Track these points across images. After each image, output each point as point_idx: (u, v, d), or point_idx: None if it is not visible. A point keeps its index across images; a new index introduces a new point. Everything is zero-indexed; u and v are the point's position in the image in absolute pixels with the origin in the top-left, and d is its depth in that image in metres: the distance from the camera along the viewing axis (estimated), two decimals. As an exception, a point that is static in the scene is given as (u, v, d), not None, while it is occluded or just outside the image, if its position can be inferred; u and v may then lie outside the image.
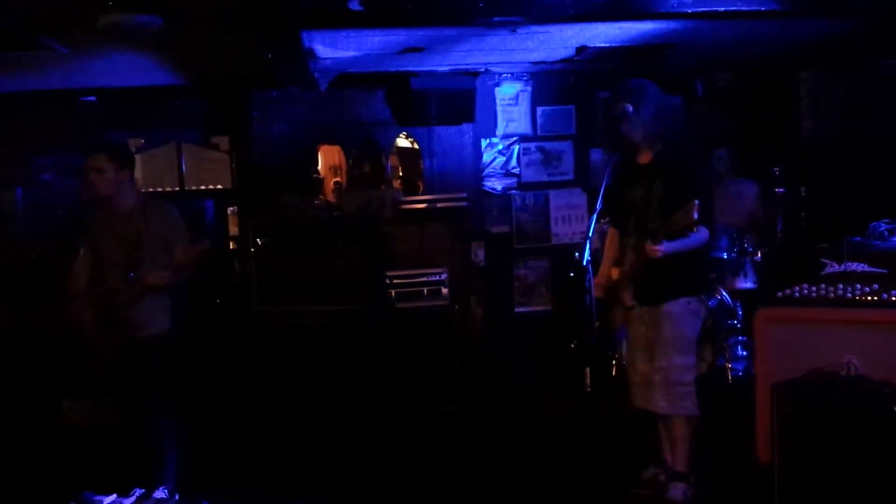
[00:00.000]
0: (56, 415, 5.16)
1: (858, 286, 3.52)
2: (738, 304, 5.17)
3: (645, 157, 3.70)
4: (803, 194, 5.27)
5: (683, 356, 3.58)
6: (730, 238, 5.09)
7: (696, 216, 3.21)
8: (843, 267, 3.64)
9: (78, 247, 3.98)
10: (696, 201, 3.22)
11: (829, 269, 3.69)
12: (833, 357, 3.34)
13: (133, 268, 3.79)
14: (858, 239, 3.73)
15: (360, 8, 3.89)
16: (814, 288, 3.63)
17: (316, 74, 5.48)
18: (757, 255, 5.13)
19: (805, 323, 3.57)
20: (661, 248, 3.41)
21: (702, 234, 3.50)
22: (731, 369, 5.02)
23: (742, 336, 5.12)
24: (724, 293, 5.09)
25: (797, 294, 3.65)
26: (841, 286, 3.57)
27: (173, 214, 3.98)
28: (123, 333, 3.83)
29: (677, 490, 3.63)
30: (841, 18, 4.69)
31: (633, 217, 3.68)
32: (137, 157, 6.08)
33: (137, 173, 5.96)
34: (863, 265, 3.61)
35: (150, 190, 5.93)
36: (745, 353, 5.10)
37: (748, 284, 5.15)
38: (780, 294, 3.71)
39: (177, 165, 6.13)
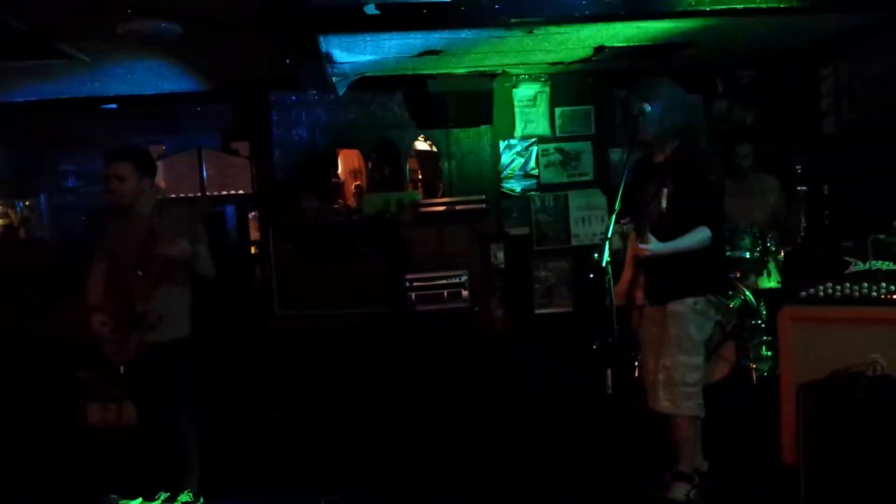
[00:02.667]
0: (82, 418, 5.21)
1: (884, 284, 3.48)
2: (762, 303, 5.12)
3: (661, 156, 3.68)
4: (826, 192, 5.21)
5: (688, 356, 3.55)
6: (752, 237, 5.04)
7: (664, 205, 3.19)
8: (867, 265, 3.59)
9: (94, 257, 3.97)
10: (665, 189, 3.20)
11: (853, 268, 3.64)
12: (858, 356, 3.30)
13: (144, 266, 3.75)
14: (883, 236, 3.68)
15: (376, 12, 3.90)
16: (838, 287, 3.59)
17: (334, 78, 5.51)
18: (780, 253, 5.08)
19: (830, 322, 3.53)
20: (649, 248, 3.41)
21: (701, 233, 3.47)
22: (756, 369, 4.97)
23: (766, 336, 5.07)
24: (747, 293, 5.05)
25: (821, 293, 3.61)
26: (866, 285, 3.53)
27: (188, 213, 3.95)
28: (142, 333, 3.80)
29: (679, 490, 3.60)
30: (858, 13, 4.63)
31: (644, 215, 3.66)
32: (159, 164, 6.19)
33: (159, 180, 6.08)
34: (888, 263, 3.56)
35: (172, 196, 6.00)
36: (769, 353, 5.05)
37: (772, 284, 5.10)
38: (803, 293, 3.68)
39: (198, 171, 6.19)
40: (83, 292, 3.95)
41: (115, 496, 3.86)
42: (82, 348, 5.23)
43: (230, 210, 6.25)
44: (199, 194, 6.17)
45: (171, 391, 3.87)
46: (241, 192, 6.27)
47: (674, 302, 3.56)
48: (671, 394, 3.54)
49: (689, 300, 3.56)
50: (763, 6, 4.18)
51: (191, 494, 3.86)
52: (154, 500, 3.82)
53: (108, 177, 3.83)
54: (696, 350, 3.58)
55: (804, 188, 5.18)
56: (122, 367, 3.84)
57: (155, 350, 3.82)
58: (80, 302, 3.97)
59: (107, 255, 3.94)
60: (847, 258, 3.62)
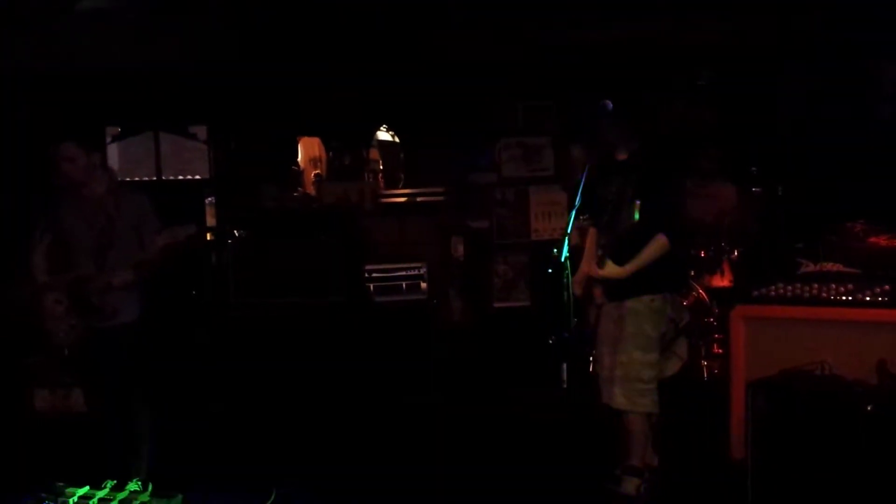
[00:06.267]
0: (28, 404, 5.09)
1: (833, 286, 3.56)
2: (714, 302, 5.21)
3: (623, 155, 3.72)
4: (780, 194, 5.32)
5: (643, 353, 3.60)
6: (707, 236, 5.12)
7: (636, 216, 3.25)
8: (818, 266, 3.67)
9: (37, 233, 3.89)
10: (638, 201, 3.26)
11: (804, 269, 3.72)
12: (807, 356, 3.37)
13: (103, 254, 3.75)
14: (834, 238, 3.77)
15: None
16: (789, 287, 3.66)
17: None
18: (734, 253, 5.17)
19: (780, 321, 3.60)
20: (602, 273, 3.52)
21: (658, 242, 3.52)
22: (707, 367, 5.06)
23: (718, 334, 5.16)
24: (700, 291, 5.13)
25: (773, 293, 3.68)
26: (816, 285, 3.60)
27: (145, 202, 3.93)
28: (95, 322, 3.78)
29: (630, 485, 3.65)
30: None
31: (606, 212, 3.70)
32: (114, 146, 6.06)
33: (115, 162, 5.95)
34: (838, 265, 3.64)
35: (127, 179, 5.86)
36: (720, 350, 5.14)
37: (724, 283, 5.19)
38: (755, 293, 3.74)
39: (154, 154, 6.05)
40: (29, 270, 3.87)
41: (61, 484, 3.78)
42: (29, 332, 5.10)
43: (186, 195, 6.13)
44: (154, 178, 6.04)
45: (119, 375, 3.81)
46: (198, 177, 6.15)
47: (631, 299, 3.61)
48: (627, 390, 3.59)
49: (647, 298, 3.60)
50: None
51: (139, 483, 3.79)
52: (101, 487, 3.75)
53: (58, 161, 3.76)
54: (651, 347, 3.62)
55: (758, 189, 5.28)
56: (66, 350, 3.78)
57: (101, 334, 3.77)
58: (26, 280, 3.89)
59: (55, 233, 3.87)
60: (799, 259, 3.69)
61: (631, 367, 3.58)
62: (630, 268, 3.52)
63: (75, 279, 3.79)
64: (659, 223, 3.50)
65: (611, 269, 3.53)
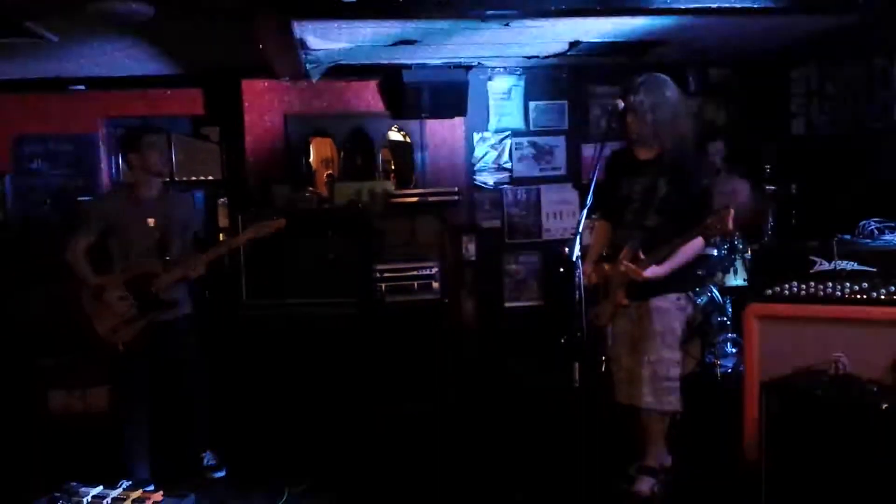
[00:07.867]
0: (44, 405, 5.13)
1: (848, 284, 3.53)
2: (728, 300, 5.18)
3: (647, 153, 3.66)
4: (794, 191, 5.28)
5: (671, 351, 3.59)
6: (720, 235, 5.08)
7: (731, 225, 3.22)
8: (832, 265, 3.64)
9: (80, 233, 3.98)
10: (732, 210, 3.23)
11: (818, 267, 3.69)
12: (821, 355, 3.35)
13: (165, 250, 3.97)
14: (848, 237, 3.74)
15: (353, -1, 3.87)
16: (803, 285, 3.63)
17: (307, 65, 5.46)
18: (747, 252, 5.14)
19: (794, 320, 3.57)
20: (647, 274, 3.47)
21: (697, 244, 3.50)
22: (720, 366, 5.03)
23: (731, 333, 5.13)
24: (713, 290, 5.10)
25: (786, 291, 3.65)
26: (830, 284, 3.57)
27: (193, 203, 4.34)
28: (159, 315, 3.96)
29: (645, 484, 3.65)
30: (831, 15, 4.70)
31: (629, 211, 3.66)
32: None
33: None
34: (852, 263, 3.61)
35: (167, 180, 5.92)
36: (733, 350, 5.12)
37: (738, 281, 5.16)
38: (769, 291, 3.71)
39: (167, 156, 6.09)
40: (73, 271, 3.96)
41: (75, 483, 3.81)
42: (45, 334, 5.15)
43: (199, 196, 6.17)
44: (168, 179, 6.07)
45: (181, 367, 4.07)
46: (210, 177, 6.19)
47: (657, 298, 3.59)
48: (655, 389, 3.57)
49: (673, 296, 3.59)
50: (737, 6, 4.22)
51: (152, 482, 3.83)
52: (115, 487, 3.78)
53: (149, 151, 3.98)
54: (677, 345, 3.63)
55: (772, 187, 5.25)
56: (120, 346, 3.92)
57: (163, 329, 3.98)
58: (78, 281, 3.97)
59: (100, 233, 3.98)
60: (813, 257, 3.66)
61: (659, 366, 3.57)
62: (669, 266, 3.49)
63: (139, 275, 3.92)
64: (694, 223, 3.46)
65: (655, 271, 3.49)
